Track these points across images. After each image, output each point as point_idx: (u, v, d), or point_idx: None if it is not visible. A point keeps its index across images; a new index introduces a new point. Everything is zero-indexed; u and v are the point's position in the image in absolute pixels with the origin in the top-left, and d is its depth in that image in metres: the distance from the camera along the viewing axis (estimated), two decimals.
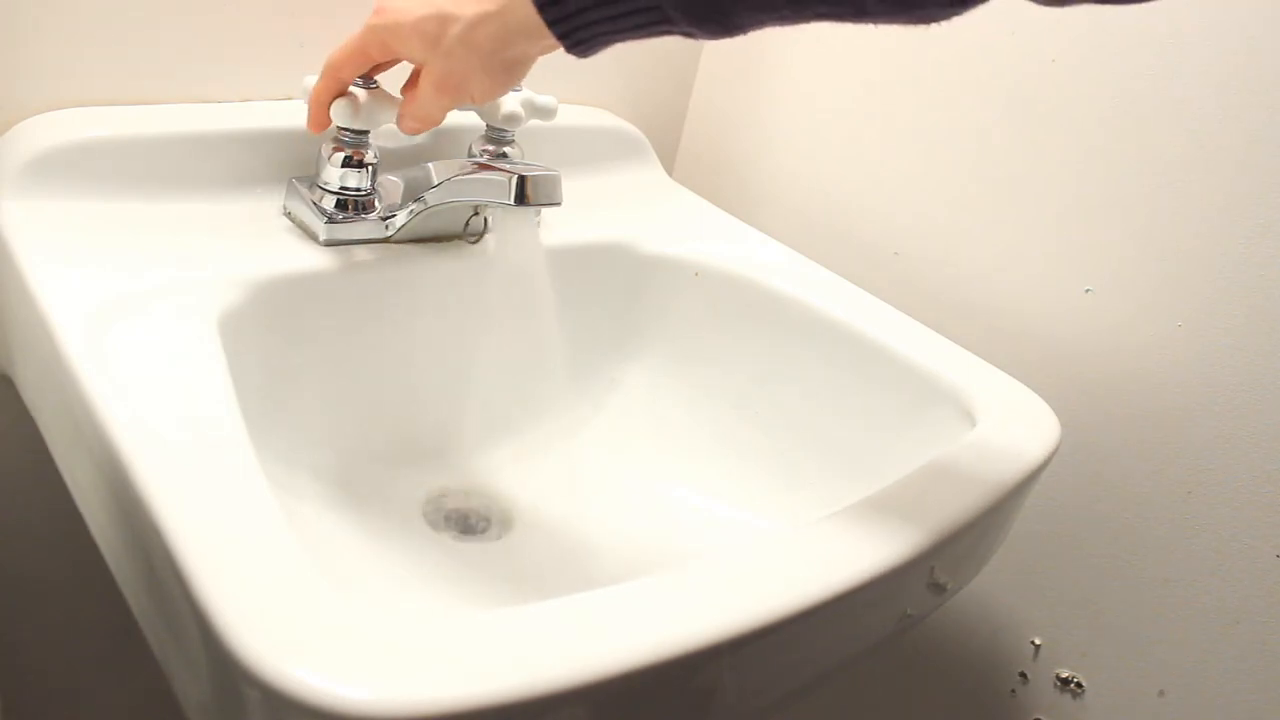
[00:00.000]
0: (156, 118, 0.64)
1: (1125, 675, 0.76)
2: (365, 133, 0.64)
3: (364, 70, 0.60)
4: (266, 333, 0.59)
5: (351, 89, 0.61)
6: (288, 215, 0.66)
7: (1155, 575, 0.73)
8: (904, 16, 0.44)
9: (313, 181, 0.65)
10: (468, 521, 0.67)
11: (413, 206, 0.64)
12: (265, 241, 0.62)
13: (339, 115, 0.61)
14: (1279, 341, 0.63)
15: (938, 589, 0.58)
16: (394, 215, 0.65)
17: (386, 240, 0.66)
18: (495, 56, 0.54)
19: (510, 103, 0.69)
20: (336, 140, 0.64)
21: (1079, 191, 0.71)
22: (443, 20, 0.54)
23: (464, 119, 0.71)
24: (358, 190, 0.65)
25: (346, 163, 0.64)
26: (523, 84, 0.71)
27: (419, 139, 0.72)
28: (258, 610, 0.37)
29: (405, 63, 0.59)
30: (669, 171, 0.91)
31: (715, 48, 0.93)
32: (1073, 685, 0.78)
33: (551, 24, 0.50)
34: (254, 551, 0.40)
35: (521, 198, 0.59)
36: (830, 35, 0.84)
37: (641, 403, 0.76)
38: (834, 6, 0.44)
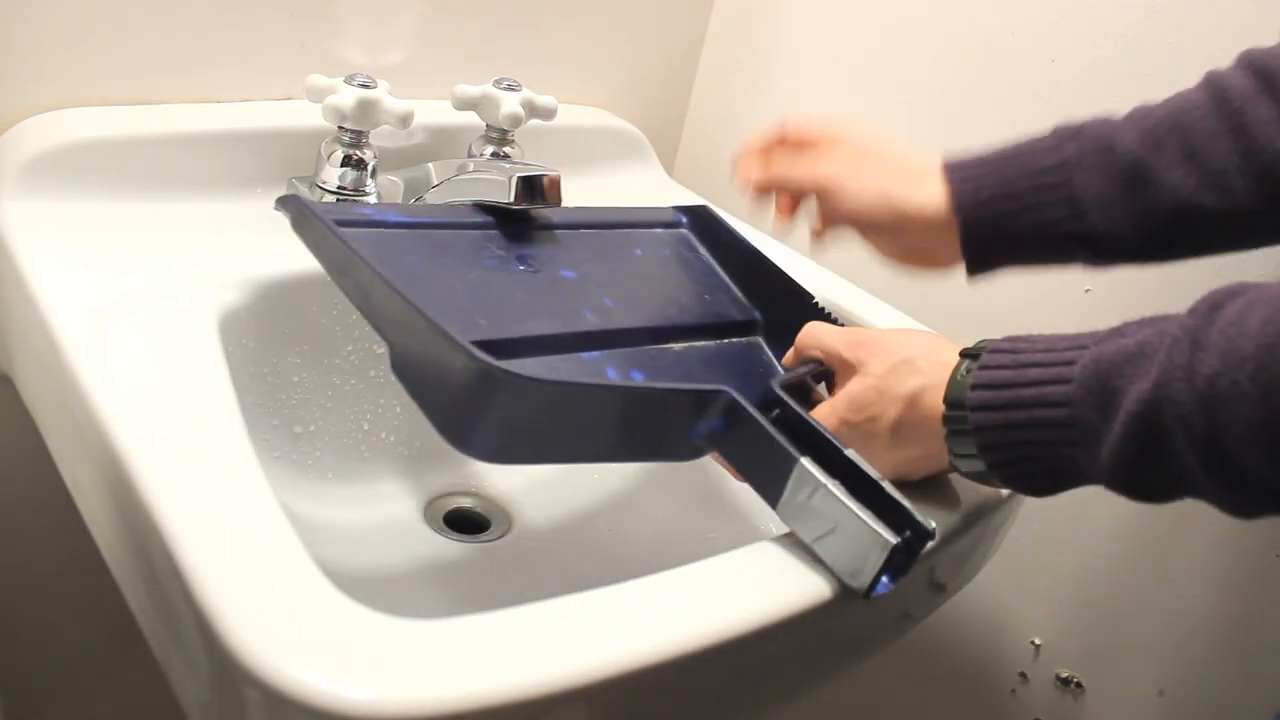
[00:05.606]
0: (156, 118, 0.64)
1: (1125, 675, 0.76)
2: (364, 132, 0.64)
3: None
4: (266, 333, 0.59)
5: (346, 86, 0.62)
6: None
7: (1155, 575, 0.73)
8: None
9: (312, 181, 0.65)
10: (467, 522, 0.67)
11: None
12: (265, 241, 0.62)
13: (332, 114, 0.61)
14: None
15: (938, 589, 0.58)
16: None
17: None
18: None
19: (510, 103, 0.69)
20: (336, 140, 0.64)
21: None
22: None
23: (464, 119, 0.71)
24: (357, 190, 0.64)
25: (345, 162, 0.64)
26: (522, 84, 0.71)
27: (418, 138, 0.72)
28: (258, 610, 0.37)
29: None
30: (669, 171, 0.91)
31: (715, 48, 0.93)
32: (1073, 685, 0.78)
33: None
34: (254, 551, 0.40)
35: (522, 198, 0.59)
36: (829, 36, 0.84)
37: None
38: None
